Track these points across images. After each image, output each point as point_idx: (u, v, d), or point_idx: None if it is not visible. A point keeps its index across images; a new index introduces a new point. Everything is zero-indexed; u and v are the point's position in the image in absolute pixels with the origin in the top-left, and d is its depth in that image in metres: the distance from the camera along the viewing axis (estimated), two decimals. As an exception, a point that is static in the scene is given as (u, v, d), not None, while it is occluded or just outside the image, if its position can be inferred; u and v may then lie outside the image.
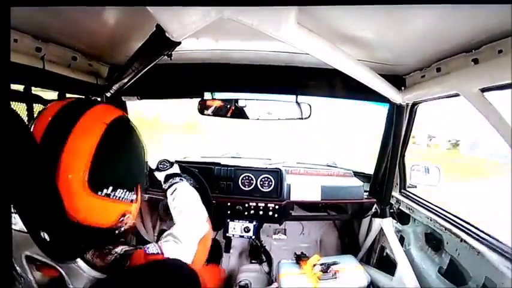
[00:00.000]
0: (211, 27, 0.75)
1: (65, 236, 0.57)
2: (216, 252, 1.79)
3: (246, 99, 1.51)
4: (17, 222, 0.55)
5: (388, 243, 1.52)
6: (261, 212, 1.60)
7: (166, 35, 0.78)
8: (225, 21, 0.72)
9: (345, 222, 2.02)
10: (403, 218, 1.56)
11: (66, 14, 0.83)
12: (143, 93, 1.53)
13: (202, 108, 1.53)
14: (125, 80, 1.16)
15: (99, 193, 0.60)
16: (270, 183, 1.63)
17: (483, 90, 0.85)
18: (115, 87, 1.25)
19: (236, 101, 1.52)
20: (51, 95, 1.11)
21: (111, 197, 0.63)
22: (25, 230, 0.55)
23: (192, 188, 1.10)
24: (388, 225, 1.57)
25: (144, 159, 0.75)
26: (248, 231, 1.62)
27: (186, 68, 1.42)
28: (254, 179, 1.64)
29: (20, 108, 0.97)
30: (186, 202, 1.00)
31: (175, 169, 1.20)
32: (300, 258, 1.48)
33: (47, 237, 0.53)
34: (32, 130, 0.60)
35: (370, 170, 1.78)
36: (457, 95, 0.98)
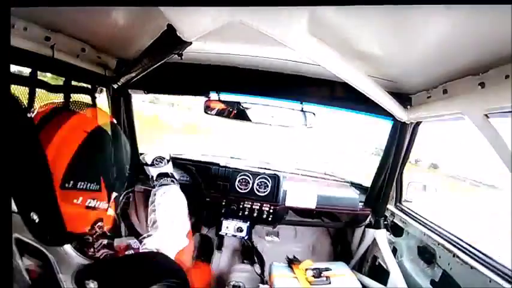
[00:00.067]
0: (221, 31, 0.75)
1: (53, 217, 0.57)
2: (207, 248, 1.80)
3: (250, 103, 1.52)
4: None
5: (381, 253, 1.54)
6: (255, 214, 1.61)
7: (177, 34, 0.79)
8: (234, 26, 0.72)
9: (338, 230, 2.03)
10: (396, 230, 1.57)
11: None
12: (150, 87, 1.53)
13: (207, 107, 1.53)
14: (133, 74, 1.16)
15: (64, 187, 0.63)
16: (267, 187, 1.64)
17: (488, 114, 0.85)
18: (123, 79, 1.26)
19: (240, 103, 1.53)
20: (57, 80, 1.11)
21: (74, 188, 0.64)
22: (16, 210, 0.55)
23: (182, 195, 1.09)
24: (381, 236, 1.58)
25: (124, 166, 0.77)
26: (241, 231, 1.63)
27: (194, 67, 1.42)
28: (251, 181, 1.65)
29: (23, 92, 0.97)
30: (171, 211, 1.01)
31: (169, 168, 1.20)
32: (292, 262, 1.48)
33: (36, 218, 0.54)
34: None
35: (365, 181, 1.79)
36: (461, 117, 0.98)
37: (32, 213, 0.54)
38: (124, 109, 1.57)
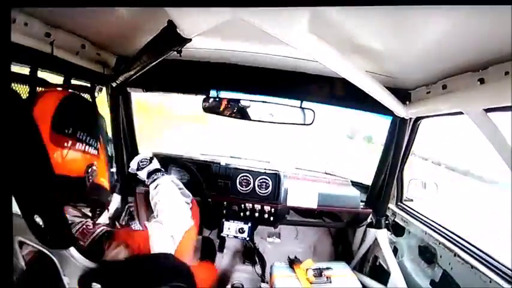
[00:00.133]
0: (221, 28, 0.75)
1: (57, 221, 0.57)
2: (210, 250, 1.79)
3: (250, 100, 1.52)
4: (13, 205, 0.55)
5: (382, 254, 1.53)
6: (256, 214, 1.60)
7: (178, 31, 0.79)
8: (235, 23, 0.72)
9: (339, 230, 2.02)
10: (397, 230, 1.57)
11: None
12: (149, 85, 1.53)
13: (206, 105, 1.53)
14: (132, 72, 1.16)
15: (61, 133, 0.70)
16: (268, 186, 1.64)
17: (487, 110, 0.86)
18: (121, 78, 1.26)
19: (239, 101, 1.53)
20: (57, 79, 1.11)
21: (73, 137, 0.72)
22: (19, 213, 0.55)
23: (173, 183, 1.11)
24: (382, 236, 1.57)
25: (101, 124, 0.87)
26: (243, 232, 1.62)
27: (193, 65, 1.42)
28: (252, 180, 1.65)
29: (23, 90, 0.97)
30: (168, 199, 1.01)
31: (155, 164, 1.20)
32: (293, 262, 1.48)
33: (40, 222, 0.54)
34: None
35: (366, 179, 1.79)
36: (460, 113, 0.98)
37: (35, 217, 0.54)
38: (123, 108, 1.57)
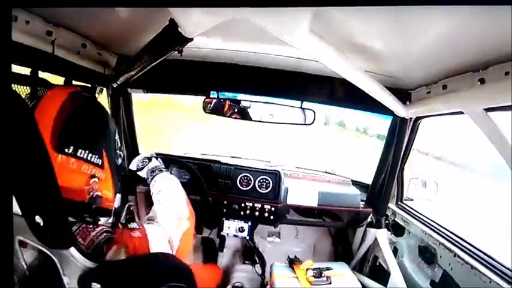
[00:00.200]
0: (221, 27, 0.75)
1: (58, 221, 0.57)
2: (211, 251, 1.80)
3: (250, 101, 1.52)
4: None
5: (382, 254, 1.53)
6: (256, 213, 1.60)
7: (179, 30, 0.79)
8: (236, 22, 0.72)
9: (339, 229, 2.02)
10: (397, 230, 1.57)
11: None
12: (149, 86, 1.53)
13: (207, 106, 1.53)
14: (133, 72, 1.16)
15: (61, 152, 0.65)
16: (268, 185, 1.64)
17: (487, 110, 0.86)
18: (122, 78, 1.26)
19: (240, 101, 1.53)
20: (58, 80, 1.11)
21: (74, 157, 0.66)
22: (19, 213, 0.55)
23: (170, 178, 1.11)
24: (382, 236, 1.57)
25: (108, 129, 0.78)
26: (243, 231, 1.62)
27: (193, 65, 1.42)
28: (252, 179, 1.65)
29: (24, 91, 0.97)
30: (164, 194, 1.01)
31: (154, 162, 1.20)
32: (293, 262, 1.48)
33: (40, 221, 0.53)
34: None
35: (367, 179, 1.79)
36: (461, 113, 0.98)
37: (36, 217, 0.53)
38: (124, 108, 1.57)
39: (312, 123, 1.50)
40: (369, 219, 1.62)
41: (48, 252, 0.60)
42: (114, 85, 1.33)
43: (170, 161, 1.61)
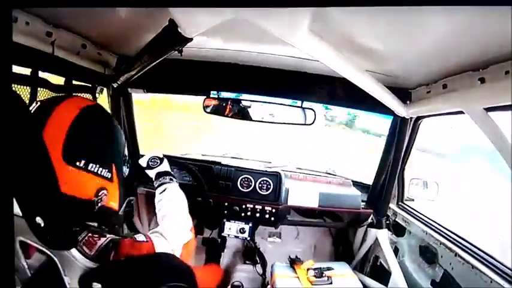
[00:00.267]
0: (222, 27, 0.75)
1: (59, 221, 0.56)
2: (215, 251, 1.79)
3: (250, 101, 1.52)
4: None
5: (383, 254, 1.53)
6: (257, 214, 1.60)
7: (179, 30, 0.79)
8: (235, 22, 0.72)
9: (340, 229, 2.02)
10: (398, 230, 1.56)
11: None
12: (149, 86, 1.53)
13: (207, 105, 1.53)
14: (133, 72, 1.17)
15: (73, 165, 0.64)
16: (269, 186, 1.64)
17: (488, 109, 0.86)
18: (122, 78, 1.26)
19: (240, 101, 1.53)
20: (58, 80, 1.12)
21: (85, 170, 0.66)
22: (20, 213, 0.54)
23: (181, 192, 1.10)
24: (383, 236, 1.57)
25: (118, 144, 0.79)
26: (244, 232, 1.62)
27: (193, 65, 1.42)
28: (253, 180, 1.65)
29: (24, 91, 0.97)
30: (172, 207, 1.01)
31: (165, 166, 1.20)
32: (294, 262, 1.48)
33: (41, 222, 0.53)
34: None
35: (368, 180, 1.79)
36: (461, 112, 0.98)
37: (37, 218, 0.53)
38: (124, 109, 1.57)
39: (312, 123, 1.50)
40: (369, 220, 1.62)
41: (49, 253, 0.60)
42: (115, 85, 1.34)
43: (171, 163, 1.62)
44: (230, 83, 1.53)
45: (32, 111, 0.66)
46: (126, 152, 0.83)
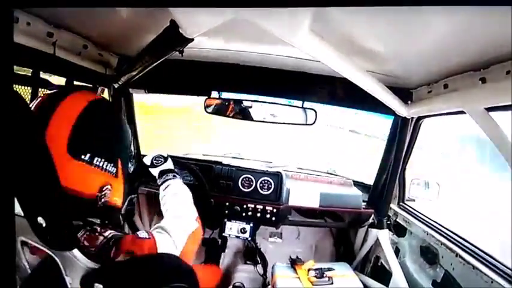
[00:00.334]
0: (222, 28, 0.75)
1: (61, 222, 0.56)
2: (215, 252, 1.80)
3: (251, 101, 1.52)
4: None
5: (384, 254, 1.52)
6: (258, 214, 1.60)
7: (180, 31, 0.79)
8: (236, 23, 0.72)
9: (341, 230, 2.02)
10: (399, 230, 1.56)
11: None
12: (151, 86, 1.54)
13: (208, 106, 1.54)
14: (134, 73, 1.17)
15: (78, 158, 0.64)
16: (270, 186, 1.64)
17: (489, 109, 0.86)
18: (123, 78, 1.27)
19: (241, 101, 1.53)
20: (59, 80, 1.12)
21: (90, 164, 0.66)
22: (22, 213, 0.54)
23: (184, 186, 1.10)
24: (384, 236, 1.57)
25: (125, 139, 0.78)
26: (244, 232, 1.62)
27: (194, 65, 1.43)
28: (254, 180, 1.65)
29: (25, 91, 0.97)
30: (176, 200, 1.01)
31: (169, 164, 1.20)
32: (294, 262, 1.48)
33: (43, 222, 0.53)
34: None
35: (369, 180, 1.79)
36: (462, 112, 0.98)
37: (38, 218, 0.53)
38: (125, 109, 1.58)
39: (313, 123, 1.50)
40: (370, 220, 1.62)
41: (50, 253, 0.60)
42: (116, 85, 1.34)
43: (172, 162, 1.62)
44: (231, 83, 1.53)
45: (37, 103, 0.66)
46: (132, 148, 0.82)
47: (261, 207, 1.59)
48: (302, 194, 1.63)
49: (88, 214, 0.69)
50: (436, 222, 1.35)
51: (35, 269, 0.64)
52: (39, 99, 0.67)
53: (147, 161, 1.21)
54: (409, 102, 1.30)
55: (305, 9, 0.70)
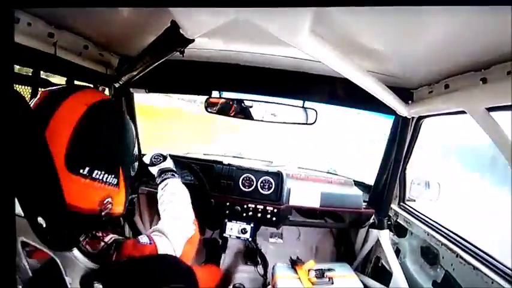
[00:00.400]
0: (223, 28, 0.75)
1: (61, 222, 0.57)
2: (215, 252, 1.80)
3: (252, 100, 1.52)
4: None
5: (384, 254, 1.52)
6: (259, 215, 1.60)
7: (181, 31, 0.79)
8: (237, 24, 0.72)
9: (341, 230, 2.02)
10: (400, 230, 1.56)
11: None
12: (151, 86, 1.54)
13: (209, 105, 1.54)
14: (135, 73, 1.17)
15: (76, 173, 0.61)
16: (270, 185, 1.64)
17: (489, 109, 0.86)
18: (124, 78, 1.27)
19: (242, 101, 1.53)
20: (60, 80, 1.12)
21: (89, 178, 0.62)
22: (22, 214, 0.54)
23: (183, 186, 1.09)
24: (385, 236, 1.57)
25: (129, 143, 0.74)
26: (245, 232, 1.62)
27: (195, 65, 1.43)
28: (255, 180, 1.65)
29: (25, 91, 0.97)
30: (174, 200, 1.00)
31: (169, 163, 1.19)
32: (295, 263, 1.48)
33: (43, 222, 0.53)
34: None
35: (370, 180, 1.78)
36: (463, 112, 0.98)
37: (38, 218, 0.53)
38: (126, 109, 1.58)
39: (313, 122, 1.50)
40: (371, 220, 1.62)
41: (50, 253, 0.60)
42: (116, 85, 1.34)
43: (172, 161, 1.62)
44: (232, 84, 1.53)
45: (36, 103, 0.64)
46: (136, 150, 0.80)
47: (262, 207, 1.59)
48: (303, 194, 1.63)
49: (90, 227, 0.67)
50: (436, 223, 1.34)
51: (35, 270, 0.64)
52: (36, 100, 0.65)
53: (146, 159, 1.21)
54: (410, 102, 1.30)
55: (305, 9, 0.69)
